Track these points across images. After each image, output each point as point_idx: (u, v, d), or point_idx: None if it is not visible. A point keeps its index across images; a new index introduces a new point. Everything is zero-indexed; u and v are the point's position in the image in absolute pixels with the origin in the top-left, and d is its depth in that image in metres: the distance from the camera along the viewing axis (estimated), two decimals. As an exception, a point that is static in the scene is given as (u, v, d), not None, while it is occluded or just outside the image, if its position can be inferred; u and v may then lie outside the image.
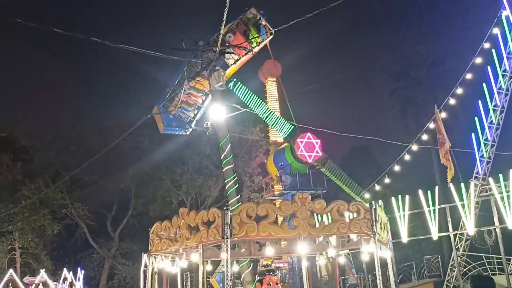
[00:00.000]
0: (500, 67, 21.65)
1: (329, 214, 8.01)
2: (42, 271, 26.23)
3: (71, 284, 27.67)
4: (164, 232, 8.97)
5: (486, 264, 21.88)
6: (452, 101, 22.58)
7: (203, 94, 16.27)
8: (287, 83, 21.23)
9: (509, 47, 21.48)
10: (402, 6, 69.00)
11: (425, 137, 23.24)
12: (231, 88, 22.88)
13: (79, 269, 29.39)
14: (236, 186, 14.48)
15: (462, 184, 20.02)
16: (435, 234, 20.18)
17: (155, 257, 10.08)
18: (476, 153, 21.90)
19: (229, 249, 7.48)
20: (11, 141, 30.81)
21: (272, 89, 30.62)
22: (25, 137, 30.90)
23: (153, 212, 31.05)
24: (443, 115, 22.37)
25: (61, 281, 26.93)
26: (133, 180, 30.86)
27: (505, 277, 18.27)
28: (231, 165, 14.41)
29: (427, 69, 38.33)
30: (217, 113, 14.33)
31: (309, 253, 10.67)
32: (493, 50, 21.69)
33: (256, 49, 17.05)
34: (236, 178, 14.70)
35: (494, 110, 21.68)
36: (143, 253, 21.79)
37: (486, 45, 21.81)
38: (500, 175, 19.18)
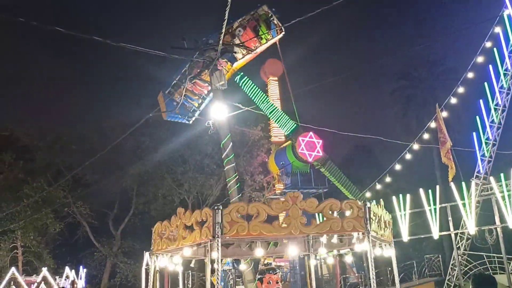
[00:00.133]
0: (502, 66, 21.65)
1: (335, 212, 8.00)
2: (44, 269, 26.30)
3: (73, 282, 27.74)
4: (164, 231, 9.05)
5: (487, 263, 21.88)
6: (453, 100, 22.57)
7: (209, 84, 16.32)
8: (293, 80, 21.21)
9: (511, 46, 21.48)
10: (404, 6, 68.93)
11: (426, 136, 23.24)
12: (237, 82, 22.88)
13: (81, 267, 29.47)
14: (238, 185, 14.51)
15: (463, 183, 20.06)
16: (436, 233, 20.23)
17: (157, 256, 10.14)
18: (477, 152, 21.91)
19: (219, 248, 7.52)
20: (13, 140, 30.90)
21: (273, 88, 30.68)
22: (27, 136, 30.96)
23: (155, 211, 31.14)
24: (444, 114, 22.38)
25: (63, 278, 27.01)
26: (134, 179, 30.93)
27: (506, 276, 18.32)
28: (233, 164, 14.45)
29: (428, 68, 38.34)
30: (218, 112, 14.36)
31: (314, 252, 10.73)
32: (495, 49, 21.69)
33: (264, 47, 17.22)
34: (237, 177, 14.73)
35: (495, 109, 21.69)
36: (144, 251, 21.84)
37: (488, 44, 21.80)
38: (501, 174, 19.22)
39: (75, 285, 27.79)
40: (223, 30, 12.31)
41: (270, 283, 7.75)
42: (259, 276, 7.93)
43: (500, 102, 21.64)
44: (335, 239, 9.33)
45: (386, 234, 9.00)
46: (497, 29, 21.65)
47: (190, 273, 22.45)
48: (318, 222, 7.96)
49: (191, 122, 17.84)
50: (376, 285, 8.07)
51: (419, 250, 30.51)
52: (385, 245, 9.57)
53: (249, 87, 24.26)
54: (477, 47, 22.02)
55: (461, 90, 22.39)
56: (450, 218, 20.28)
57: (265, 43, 17.30)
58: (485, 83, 21.97)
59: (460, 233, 22.05)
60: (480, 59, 21.84)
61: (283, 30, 17.14)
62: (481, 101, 22.07)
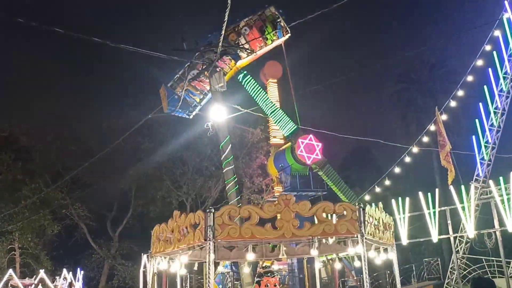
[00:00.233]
0: (501, 70, 21.66)
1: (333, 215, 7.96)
2: (42, 271, 26.17)
3: (71, 284, 27.61)
4: (162, 234, 9.04)
5: (486, 267, 21.83)
6: (453, 103, 22.57)
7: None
8: (289, 83, 21.20)
9: (510, 50, 21.49)
10: (404, 9, 69.05)
11: (425, 139, 23.23)
12: (240, 80, 22.85)
13: (78, 269, 29.33)
14: (236, 187, 14.47)
15: (463, 187, 20.03)
16: (435, 237, 20.18)
17: (155, 259, 10.11)
18: (477, 155, 21.89)
19: (211, 251, 7.47)
20: (12, 140, 30.80)
21: (273, 90, 30.63)
22: (25, 136, 30.88)
23: (153, 213, 31.04)
24: (444, 117, 22.36)
25: (60, 279, 26.90)
26: (133, 180, 30.84)
27: (505, 280, 18.26)
28: (232, 166, 14.41)
29: (428, 71, 38.31)
30: (217, 114, 14.32)
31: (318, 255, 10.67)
32: (494, 52, 21.71)
33: (270, 47, 17.32)
34: (236, 179, 14.69)
35: (495, 112, 21.68)
36: (142, 254, 21.75)
37: (488, 47, 21.82)
38: (501, 178, 19.19)
39: (73, 287, 27.66)
40: (223, 32, 12.28)
41: (267, 286, 7.72)
42: (257, 279, 7.92)
43: (499, 106, 21.64)
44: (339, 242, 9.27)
45: (386, 237, 8.93)
46: (497, 33, 21.67)
47: (188, 276, 22.35)
48: (310, 225, 7.90)
49: (191, 116, 17.85)
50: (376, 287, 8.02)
51: (418, 254, 30.46)
52: (385, 248, 9.50)
53: (252, 86, 24.22)
54: (477, 50, 22.06)
55: (460, 93, 22.39)
56: (449, 222, 20.23)
57: (270, 44, 17.39)
58: (485, 87, 21.99)
59: (459, 236, 22.01)
60: (479, 63, 21.86)
61: (289, 32, 17.23)
62: (480, 104, 22.08)
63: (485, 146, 21.75)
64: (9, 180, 29.67)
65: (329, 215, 8.22)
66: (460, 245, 22.52)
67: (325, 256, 11.56)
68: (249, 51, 16.92)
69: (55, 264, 32.07)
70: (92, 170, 29.03)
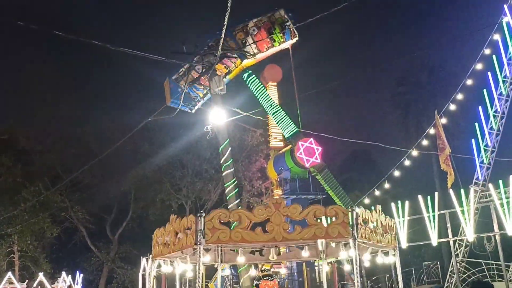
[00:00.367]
0: (501, 73, 21.68)
1: (328, 218, 7.94)
2: (41, 274, 26.15)
3: (70, 287, 27.57)
4: (160, 237, 9.09)
5: (486, 270, 21.81)
6: (452, 107, 22.59)
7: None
8: (291, 86, 21.26)
9: (510, 53, 21.51)
10: (404, 12, 69.20)
11: (425, 142, 23.24)
12: (244, 79, 22.88)
13: (78, 272, 29.29)
14: (236, 190, 14.50)
15: (462, 190, 20.00)
16: (434, 240, 20.15)
17: (153, 261, 10.15)
18: (476, 159, 21.89)
19: (201, 255, 7.50)
20: (12, 143, 30.79)
21: (272, 93, 30.61)
22: (26, 139, 30.89)
23: (153, 216, 31.01)
24: (444, 120, 22.38)
25: (60, 281, 26.88)
26: (133, 183, 30.84)
27: (505, 284, 18.23)
28: (231, 169, 14.43)
29: (428, 74, 38.35)
30: (217, 117, 14.35)
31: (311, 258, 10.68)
32: (494, 56, 21.73)
33: (277, 49, 17.43)
34: (236, 182, 14.72)
35: (494, 116, 21.69)
36: (142, 257, 21.73)
37: (487, 51, 21.85)
38: (500, 181, 19.17)
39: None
40: (223, 36, 12.33)
41: (265, 289, 7.71)
42: (255, 283, 7.91)
43: (499, 109, 21.65)
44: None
45: (387, 240, 8.85)
46: (496, 36, 21.71)
47: (188, 278, 22.30)
48: (300, 229, 7.85)
49: (193, 111, 17.91)
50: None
51: (417, 257, 30.42)
52: (386, 251, 9.44)
53: (256, 85, 24.25)
54: (476, 53, 22.10)
55: (460, 96, 22.42)
56: (448, 225, 20.20)
57: (277, 46, 17.49)
58: (484, 90, 21.99)
59: (459, 240, 21.99)
60: (479, 66, 21.89)
61: (297, 35, 17.32)
62: (480, 107, 22.08)
63: (485, 150, 21.75)
64: (9, 183, 29.66)
65: (323, 218, 8.19)
66: (459, 249, 22.49)
67: (318, 260, 11.50)
68: (249, 55, 17.00)
69: (54, 267, 32.02)
70: (92, 172, 29.09)
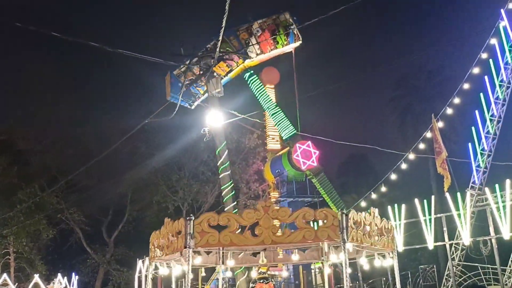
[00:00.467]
0: (497, 77, 21.77)
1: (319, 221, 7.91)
2: (36, 276, 26.01)
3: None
4: (156, 240, 9.11)
5: (482, 274, 21.82)
6: (449, 111, 22.67)
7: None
8: (288, 88, 21.34)
9: (507, 58, 21.61)
10: (401, 16, 69.43)
11: (422, 146, 23.29)
12: (246, 79, 22.92)
13: (73, 274, 29.16)
14: (233, 193, 14.50)
15: (459, 194, 20.06)
16: (430, 244, 20.19)
17: (150, 263, 10.16)
18: (473, 162, 21.95)
19: (190, 258, 7.50)
20: (9, 144, 30.68)
21: (270, 96, 30.64)
22: (24, 140, 30.80)
23: (149, 218, 30.93)
24: (440, 124, 22.45)
25: (56, 283, 26.77)
26: (129, 185, 30.76)
27: (500, 288, 18.25)
28: (228, 172, 14.43)
29: (425, 78, 38.49)
30: (214, 120, 14.35)
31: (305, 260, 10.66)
32: (491, 60, 21.83)
33: (280, 51, 17.46)
34: (232, 184, 14.72)
35: (491, 120, 21.76)
36: (138, 259, 21.64)
37: (484, 55, 21.95)
38: (496, 185, 19.24)
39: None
40: (220, 38, 12.32)
41: (261, 292, 7.70)
42: (251, 285, 7.89)
43: (495, 113, 21.72)
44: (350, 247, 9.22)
45: (383, 243, 8.81)
46: (493, 41, 21.80)
47: (184, 280, 22.26)
48: (289, 232, 7.82)
49: (193, 107, 17.87)
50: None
51: (413, 260, 30.41)
52: (383, 254, 9.40)
53: (256, 85, 24.30)
54: (473, 58, 22.19)
55: (457, 100, 22.50)
56: (445, 229, 20.23)
57: (280, 48, 17.54)
58: (481, 94, 22.07)
59: (455, 243, 22.02)
60: (476, 70, 21.99)
61: (301, 39, 17.36)
62: (476, 111, 22.16)
63: (481, 154, 21.81)
64: (5, 184, 29.54)
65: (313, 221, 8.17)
66: (455, 252, 22.52)
67: (321, 262, 11.49)
68: (246, 57, 17.05)
69: (49, 268, 31.85)
70: (89, 174, 29.00)
